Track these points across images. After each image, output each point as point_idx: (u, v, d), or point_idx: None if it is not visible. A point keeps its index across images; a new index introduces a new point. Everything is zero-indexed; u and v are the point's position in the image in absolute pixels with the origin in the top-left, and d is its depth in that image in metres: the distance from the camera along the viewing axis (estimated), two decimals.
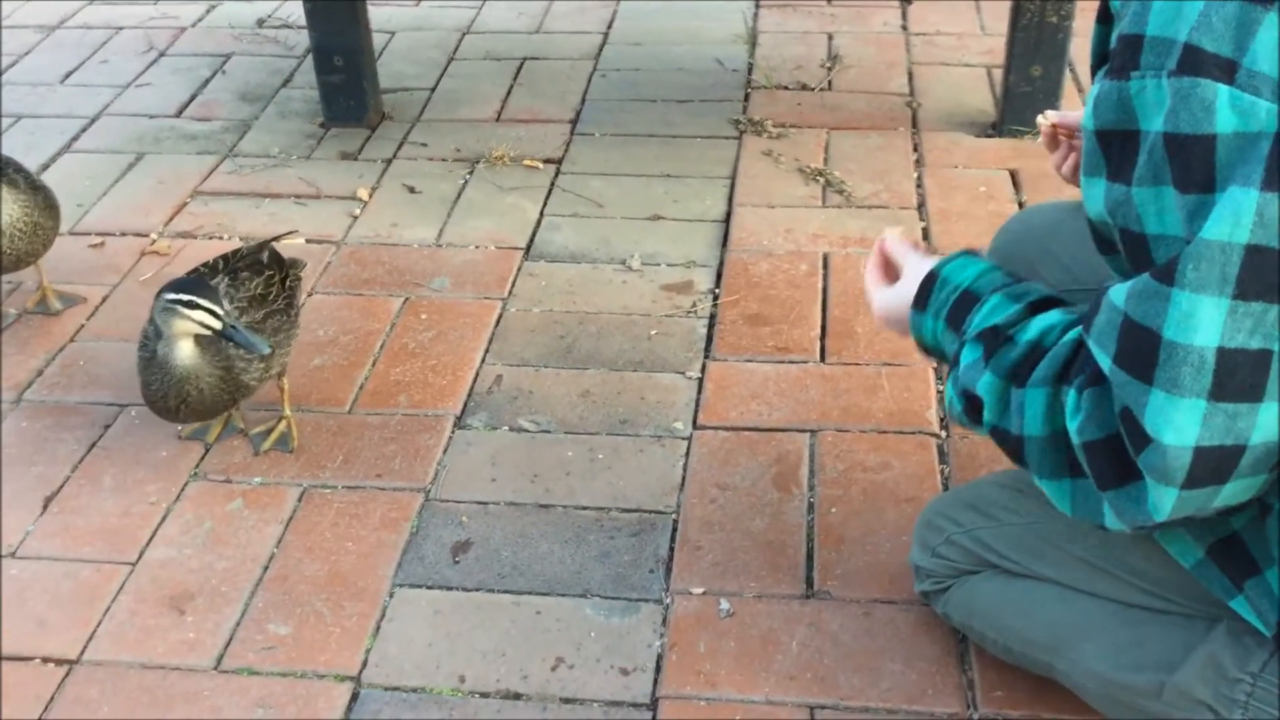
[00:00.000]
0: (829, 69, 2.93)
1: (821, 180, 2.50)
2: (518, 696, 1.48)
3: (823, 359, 2.01)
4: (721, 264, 2.26)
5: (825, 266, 2.23)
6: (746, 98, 2.84)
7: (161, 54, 3.14)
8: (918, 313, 1.26)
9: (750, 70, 2.95)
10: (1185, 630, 1.21)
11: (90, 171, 2.63)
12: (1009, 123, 2.60)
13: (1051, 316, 1.14)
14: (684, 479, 1.78)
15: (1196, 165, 0.91)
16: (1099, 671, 1.27)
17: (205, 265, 1.85)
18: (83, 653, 1.55)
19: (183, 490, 1.80)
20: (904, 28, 3.12)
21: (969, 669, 1.48)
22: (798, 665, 1.50)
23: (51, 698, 1.49)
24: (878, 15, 3.18)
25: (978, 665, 1.48)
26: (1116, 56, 0.95)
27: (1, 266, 2.03)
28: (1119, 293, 0.99)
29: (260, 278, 1.82)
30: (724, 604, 1.58)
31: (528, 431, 1.89)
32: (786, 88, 2.86)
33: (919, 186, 2.48)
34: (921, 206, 2.41)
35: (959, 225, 2.33)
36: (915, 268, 1.30)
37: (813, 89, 2.85)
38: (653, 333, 2.09)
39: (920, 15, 3.17)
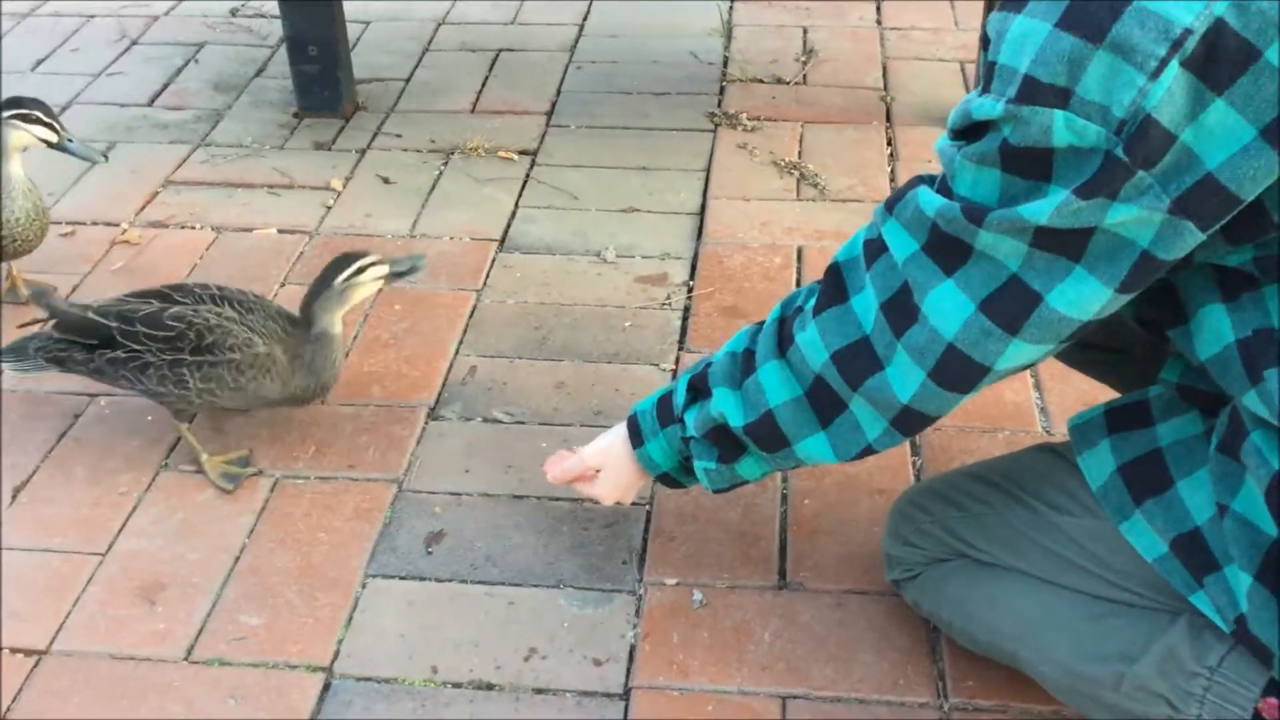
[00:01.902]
0: (804, 63, 2.94)
1: (796, 174, 2.51)
2: (490, 687, 1.48)
3: None
4: (696, 256, 2.27)
5: (799, 260, 2.24)
6: (722, 91, 2.84)
7: (134, 42, 3.12)
8: (639, 447, 1.45)
9: (725, 63, 2.96)
10: (1147, 623, 1.22)
11: (62, 160, 2.58)
12: None
13: (732, 339, 1.35)
14: None
15: (1035, 165, 1.01)
16: (1062, 661, 1.28)
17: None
18: (52, 643, 1.54)
19: (154, 480, 1.79)
20: (879, 22, 3.13)
21: (940, 659, 1.49)
22: (770, 655, 1.50)
23: (20, 688, 1.48)
24: (853, 10, 3.19)
25: (949, 655, 1.49)
26: (981, 79, 1.06)
27: (7, 253, 2.03)
28: (929, 203, 1.10)
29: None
30: (697, 595, 1.59)
31: (502, 422, 1.89)
32: (762, 81, 2.87)
33: (893, 180, 2.49)
34: None
35: None
36: (599, 444, 1.51)
37: (788, 82, 2.86)
38: (627, 324, 2.10)
39: (895, 10, 3.18)
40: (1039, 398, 1.90)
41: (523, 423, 1.89)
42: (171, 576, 1.63)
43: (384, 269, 1.74)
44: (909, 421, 1.21)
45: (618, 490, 1.53)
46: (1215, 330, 1.10)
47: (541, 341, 2.06)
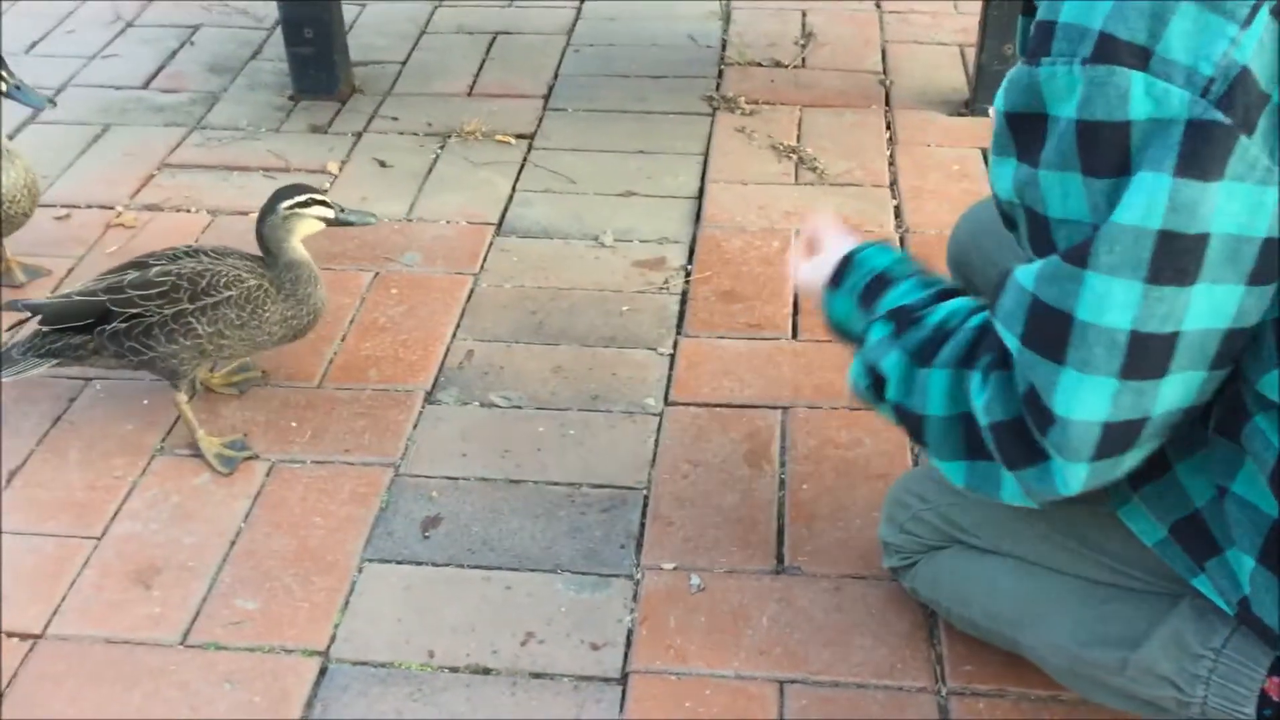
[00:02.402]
0: (803, 46, 2.92)
1: (794, 157, 2.49)
2: (487, 671, 1.48)
3: (795, 336, 2.01)
4: (694, 240, 2.26)
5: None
6: (720, 74, 2.83)
7: (129, 25, 3.10)
8: (831, 291, 1.31)
9: (724, 46, 2.94)
10: (1149, 606, 1.22)
11: (56, 143, 2.59)
12: (982, 101, 2.59)
13: (957, 303, 1.18)
14: (655, 455, 1.78)
15: (1109, 151, 0.92)
16: (1063, 647, 1.28)
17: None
18: (47, 627, 1.53)
19: (149, 464, 1.78)
20: (878, 5, 3.11)
21: (938, 644, 1.49)
22: (768, 640, 1.50)
23: (16, 672, 1.47)
24: None
25: (946, 640, 1.48)
26: (1031, 42, 0.97)
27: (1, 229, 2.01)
28: (1026, 275, 1.01)
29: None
30: (695, 579, 1.58)
31: (499, 407, 1.88)
32: (760, 64, 2.85)
33: (891, 164, 2.48)
34: (894, 184, 2.41)
35: (931, 203, 2.33)
36: (836, 247, 1.35)
37: (786, 66, 2.84)
38: (625, 309, 2.09)
39: None
40: None
41: (519, 407, 1.88)
42: (167, 560, 1.62)
43: (329, 212, 1.78)
44: (1065, 500, 1.08)
45: (805, 285, 1.38)
46: None
47: (538, 326, 2.05)
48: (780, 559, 1.61)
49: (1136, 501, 1.17)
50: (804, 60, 2.87)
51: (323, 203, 1.77)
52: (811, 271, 1.36)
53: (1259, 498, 1.07)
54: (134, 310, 1.70)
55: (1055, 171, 0.96)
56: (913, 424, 1.17)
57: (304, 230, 1.77)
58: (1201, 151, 0.89)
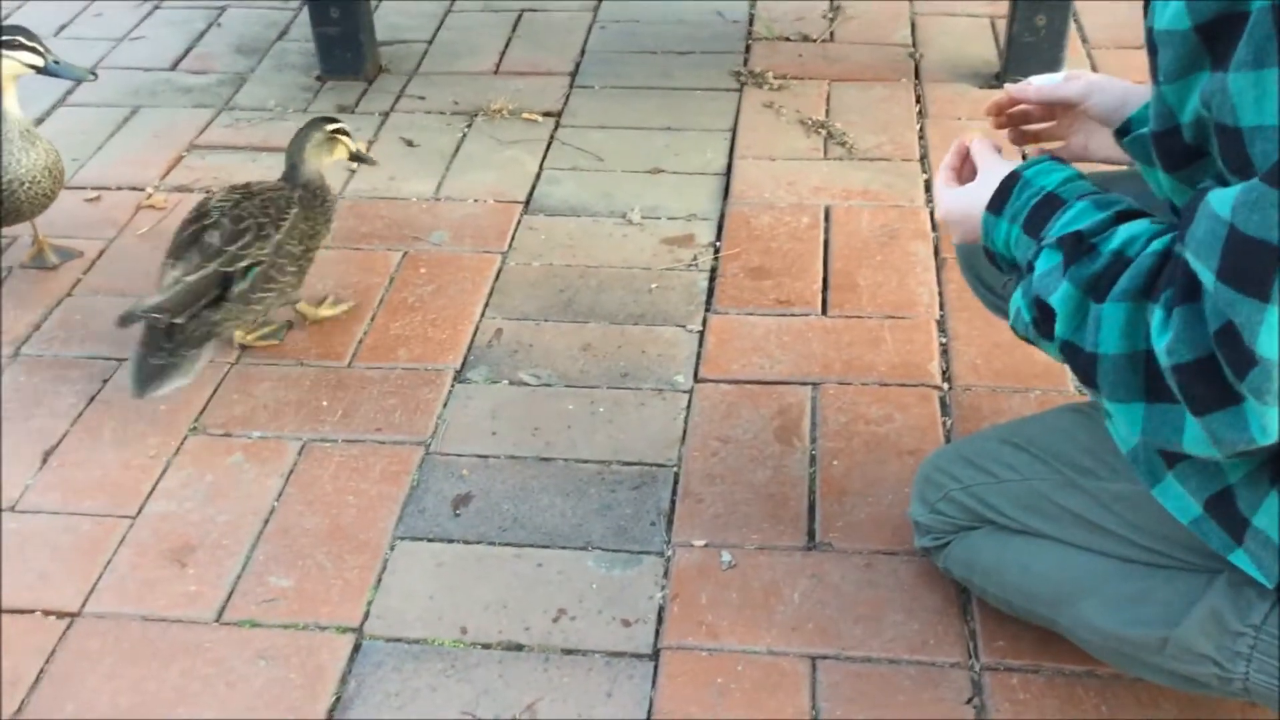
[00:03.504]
0: (831, 20, 2.90)
1: (823, 132, 2.48)
2: (519, 648, 1.48)
3: (824, 312, 2.00)
4: (722, 217, 2.25)
5: (827, 219, 2.22)
6: (747, 49, 2.81)
7: (156, 6, 3.10)
8: (992, 215, 1.20)
9: (751, 21, 2.92)
10: (1186, 584, 1.21)
11: (86, 125, 2.61)
12: (1013, 73, 2.56)
13: (1138, 226, 1.07)
14: (685, 432, 1.78)
15: None
16: (1101, 627, 1.27)
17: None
18: (84, 605, 1.55)
19: (182, 444, 1.79)
20: None
21: (971, 619, 1.48)
22: (799, 616, 1.50)
23: (53, 650, 1.49)
24: None
25: (980, 616, 1.48)
26: None
27: (24, 213, 2.03)
28: (1222, 201, 0.91)
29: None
30: (726, 556, 1.58)
31: (528, 385, 1.89)
32: (788, 39, 2.83)
33: (921, 138, 2.45)
34: (924, 158, 2.39)
35: None
36: (995, 169, 1.24)
37: (814, 40, 2.82)
38: (653, 286, 2.08)
39: None
40: None
41: (549, 385, 1.88)
42: (201, 539, 1.63)
43: (344, 151, 2.00)
44: (1252, 448, 0.99)
45: (955, 213, 1.28)
46: None
47: (567, 304, 2.05)
48: (811, 535, 1.61)
49: (1171, 479, 1.16)
50: (832, 34, 2.85)
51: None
52: (962, 198, 1.25)
53: None
54: (246, 263, 1.82)
55: (1249, 71, 0.88)
56: (1084, 364, 1.06)
57: (329, 155, 1.97)
58: None
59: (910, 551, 1.55)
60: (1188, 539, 1.18)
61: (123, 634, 1.51)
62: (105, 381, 1.91)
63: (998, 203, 1.19)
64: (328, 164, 1.97)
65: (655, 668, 1.45)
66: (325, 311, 2.01)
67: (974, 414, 1.78)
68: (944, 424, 1.77)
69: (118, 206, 2.34)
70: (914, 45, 2.78)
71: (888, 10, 2.93)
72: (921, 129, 2.48)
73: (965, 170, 1.32)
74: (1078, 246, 1.08)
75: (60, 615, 1.54)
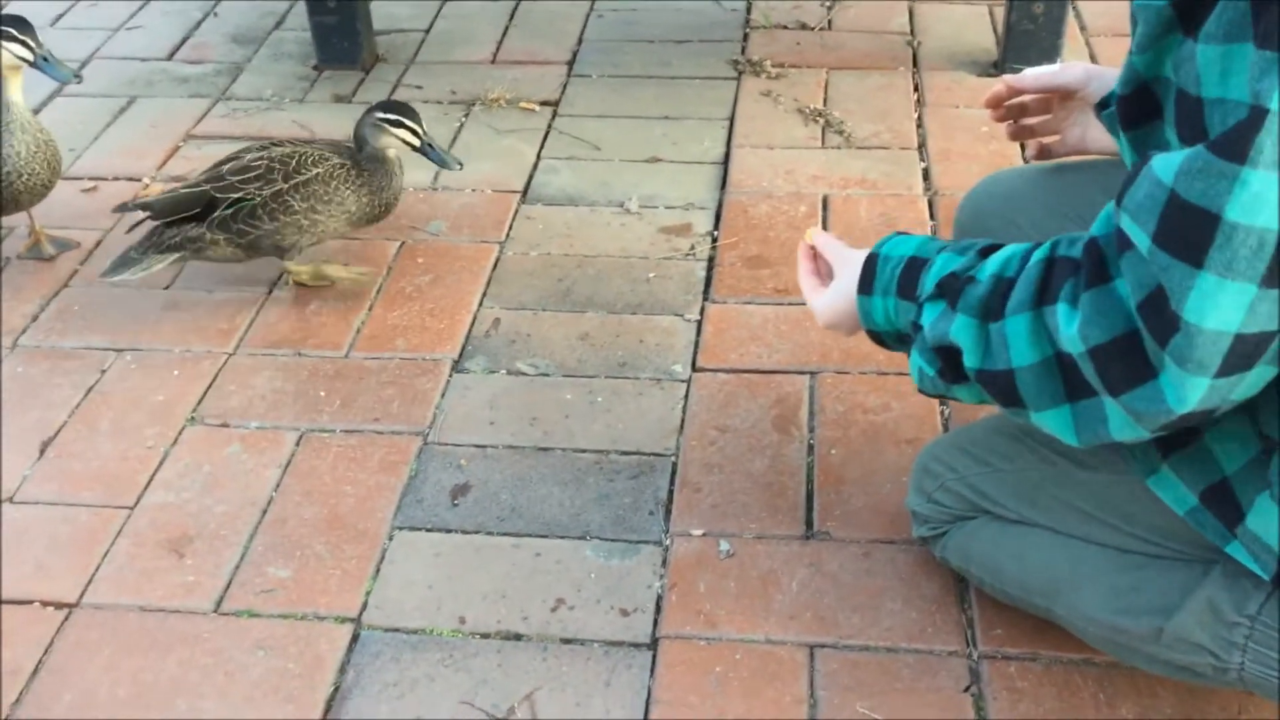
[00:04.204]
0: (829, 8, 2.89)
1: (821, 121, 2.47)
2: (518, 637, 1.48)
3: None
4: (720, 206, 2.24)
5: (825, 208, 2.21)
6: (745, 38, 2.80)
7: None
8: (865, 297, 1.25)
9: (749, 10, 2.91)
10: (1182, 574, 1.21)
11: (82, 116, 2.60)
12: (1011, 61, 2.56)
13: (1005, 251, 1.12)
14: (683, 421, 1.78)
15: None
16: (1097, 617, 1.27)
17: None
18: (82, 596, 1.55)
19: (180, 434, 1.79)
20: None
21: (969, 608, 1.48)
22: (798, 605, 1.50)
23: (51, 641, 1.49)
24: None
25: (977, 604, 1.48)
26: None
27: (20, 192, 2.02)
28: (1165, 167, 0.92)
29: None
30: (724, 545, 1.58)
31: (526, 375, 1.88)
32: (786, 27, 2.82)
33: (920, 126, 2.45)
34: (922, 147, 2.38)
35: (960, 165, 2.31)
36: (849, 258, 1.30)
37: (812, 28, 2.81)
38: (651, 275, 2.08)
39: None
40: None
41: (547, 375, 1.88)
42: (199, 529, 1.63)
43: (414, 140, 1.96)
44: (1179, 423, 1.01)
45: (832, 315, 1.32)
46: None
47: (565, 293, 2.05)
48: (809, 524, 1.61)
49: (1166, 470, 1.16)
50: (830, 22, 2.84)
51: (412, 130, 1.95)
52: (834, 296, 1.31)
53: None
54: (236, 195, 1.90)
55: (1218, 45, 0.89)
56: (1003, 385, 1.08)
57: (388, 143, 1.95)
58: None
59: (908, 540, 1.56)
60: (1183, 530, 1.17)
61: (121, 625, 1.51)
62: (103, 372, 1.91)
63: (866, 284, 1.24)
64: (384, 147, 1.96)
65: (653, 657, 1.45)
66: (340, 272, 2.04)
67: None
68: (942, 413, 1.77)
69: (115, 197, 2.33)
70: (912, 33, 2.77)
71: None
72: (919, 117, 2.48)
73: (821, 266, 1.36)
74: (955, 284, 1.13)
75: (58, 606, 1.54)
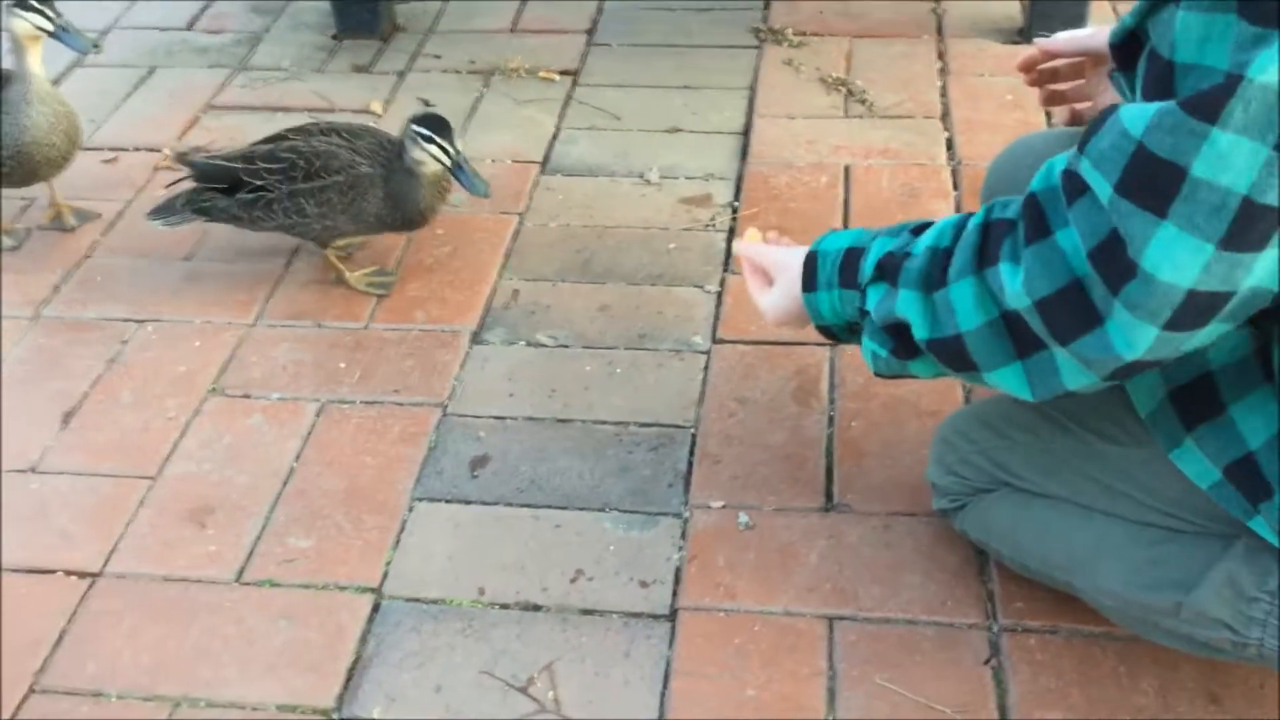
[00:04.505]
0: None
1: (843, 90, 2.45)
2: (537, 608, 1.49)
3: None
4: (741, 176, 2.23)
5: (847, 178, 2.20)
6: (767, 5, 2.77)
7: None
8: (810, 293, 1.28)
9: None
10: (1202, 549, 1.20)
11: (102, 86, 2.60)
12: (1037, 28, 2.52)
13: (937, 225, 1.16)
14: (703, 393, 1.77)
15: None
16: (1117, 591, 1.26)
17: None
18: (105, 565, 1.56)
19: (201, 405, 1.80)
20: None
21: (989, 581, 1.48)
22: (817, 577, 1.49)
23: (75, 610, 1.50)
24: None
25: (998, 577, 1.47)
26: None
27: (40, 175, 2.04)
28: (1134, 120, 0.94)
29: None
30: (743, 517, 1.58)
31: (545, 346, 1.88)
32: None
33: (944, 95, 2.43)
34: (946, 116, 2.36)
35: (984, 135, 2.28)
36: (788, 259, 1.34)
37: None
38: (671, 246, 2.07)
39: None
40: None
41: (566, 346, 1.88)
42: (221, 500, 1.64)
43: (445, 158, 1.83)
44: (1129, 372, 1.03)
45: (780, 314, 1.36)
46: None
47: (584, 264, 2.04)
48: (829, 496, 1.60)
49: (1189, 443, 1.15)
50: None
51: (442, 147, 1.82)
52: (780, 296, 1.35)
53: None
54: (258, 183, 1.88)
55: (1201, 13, 0.90)
56: (954, 350, 1.11)
57: (421, 157, 1.84)
58: None
59: (928, 513, 1.55)
60: (1205, 504, 1.17)
61: (144, 594, 1.52)
62: (124, 343, 1.91)
63: (809, 281, 1.28)
64: (417, 161, 1.84)
65: (673, 628, 1.45)
66: (359, 282, 1.99)
67: None
68: (964, 386, 1.76)
69: (135, 167, 2.34)
70: (936, 0, 2.74)
71: None
72: (943, 86, 2.45)
73: (760, 273, 1.40)
74: (893, 262, 1.17)
75: (82, 575, 1.55)
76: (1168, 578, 1.21)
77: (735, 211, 2.14)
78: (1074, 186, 1.00)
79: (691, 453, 1.68)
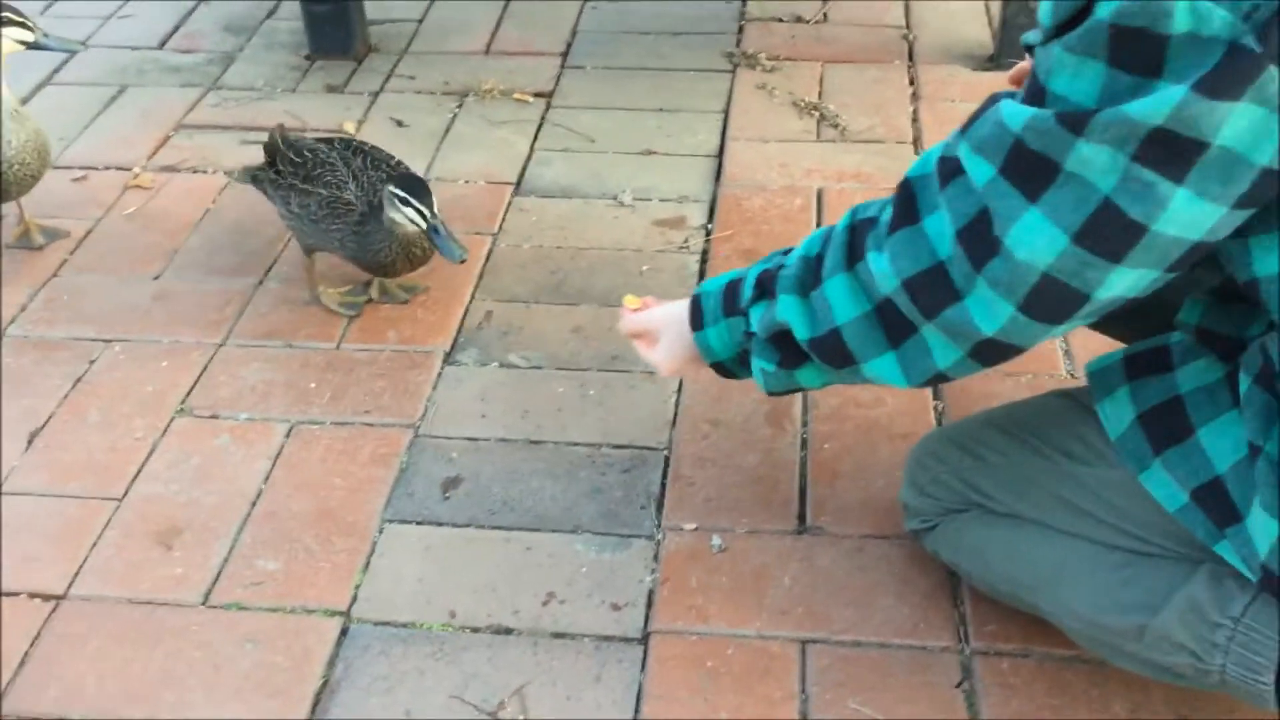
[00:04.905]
0: (824, 1, 2.88)
1: (816, 114, 2.46)
2: (508, 631, 1.47)
3: None
4: (714, 199, 2.24)
5: (819, 201, 2.21)
6: (740, 30, 2.79)
7: None
8: (699, 332, 1.36)
9: (744, 2, 2.90)
10: (1168, 572, 1.20)
11: (72, 104, 2.58)
12: (1006, 55, 2.55)
13: (806, 238, 1.26)
14: (676, 415, 1.77)
15: (1143, 55, 0.92)
16: (1082, 613, 1.26)
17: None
18: (70, 588, 1.54)
19: (169, 425, 1.78)
20: None
21: (961, 603, 1.48)
22: (790, 600, 1.49)
23: (39, 632, 1.48)
24: None
25: (970, 600, 1.47)
26: None
27: (10, 194, 2.01)
28: (1013, 116, 1.00)
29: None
30: (716, 539, 1.57)
31: (518, 367, 1.87)
32: (781, 20, 2.81)
33: (915, 120, 2.44)
34: (917, 140, 2.37)
35: None
36: (666, 313, 1.43)
37: (808, 21, 2.80)
38: (645, 268, 2.07)
39: None
40: (1063, 340, 1.87)
41: (539, 367, 1.87)
42: (188, 521, 1.62)
43: (421, 221, 1.79)
44: (991, 352, 1.11)
45: (674, 363, 1.43)
46: None
47: (558, 285, 2.04)
48: (802, 519, 1.60)
49: (1158, 466, 1.15)
50: (825, 15, 2.83)
51: (418, 210, 1.78)
52: (667, 347, 1.42)
53: None
54: (279, 167, 1.93)
55: (1076, 55, 0.96)
56: (833, 344, 1.19)
57: (396, 219, 1.80)
58: (1228, 73, 0.89)
59: (901, 535, 1.55)
60: (1173, 527, 1.17)
61: (108, 616, 1.50)
62: (92, 363, 1.89)
63: (697, 320, 1.37)
64: (391, 223, 1.80)
65: (645, 651, 1.44)
66: (331, 300, 1.98)
67: (965, 397, 1.77)
68: (935, 408, 1.76)
69: (105, 186, 2.32)
70: (907, 27, 2.77)
71: None
72: (915, 111, 2.47)
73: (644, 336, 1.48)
74: (769, 276, 1.27)
75: (46, 598, 1.53)
76: (1133, 601, 1.21)
77: (709, 233, 2.14)
78: (948, 170, 1.07)
79: (664, 475, 1.68)
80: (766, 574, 1.53)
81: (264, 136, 2.01)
